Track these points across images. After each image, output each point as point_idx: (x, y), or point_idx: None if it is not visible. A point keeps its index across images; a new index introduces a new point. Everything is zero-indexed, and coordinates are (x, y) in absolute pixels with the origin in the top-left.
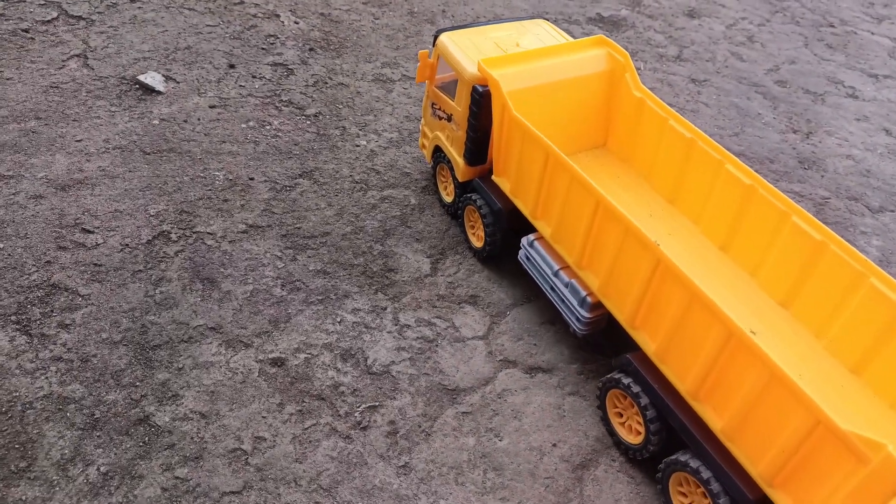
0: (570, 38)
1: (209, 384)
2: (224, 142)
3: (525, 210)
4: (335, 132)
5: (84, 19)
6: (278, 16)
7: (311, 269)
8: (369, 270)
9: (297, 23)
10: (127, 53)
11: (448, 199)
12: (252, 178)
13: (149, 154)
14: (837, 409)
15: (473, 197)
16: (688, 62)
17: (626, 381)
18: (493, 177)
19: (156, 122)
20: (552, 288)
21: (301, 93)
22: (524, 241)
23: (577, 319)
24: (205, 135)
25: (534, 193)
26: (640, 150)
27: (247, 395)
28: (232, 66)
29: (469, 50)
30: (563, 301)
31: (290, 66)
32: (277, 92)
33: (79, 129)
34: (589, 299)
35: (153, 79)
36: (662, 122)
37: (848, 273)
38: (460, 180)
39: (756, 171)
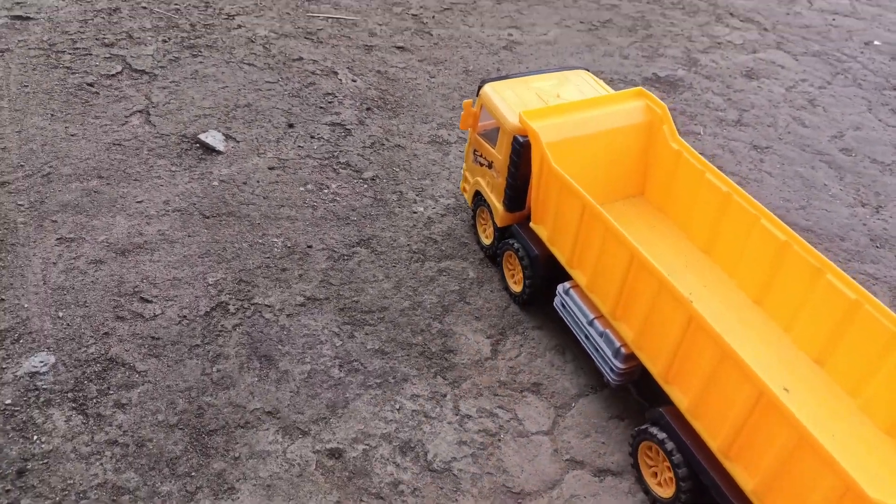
0: (611, 90)
1: (265, 477)
2: (282, 206)
3: (561, 258)
4: (392, 197)
5: (147, 73)
6: (336, 73)
7: (369, 347)
8: (428, 351)
9: (354, 81)
10: (188, 110)
11: (486, 241)
12: (310, 246)
13: (208, 217)
14: (870, 472)
15: (512, 242)
16: (748, 127)
17: (659, 435)
18: (532, 224)
19: (215, 183)
20: (587, 336)
21: (358, 154)
22: (560, 288)
23: (611, 370)
24: (264, 198)
25: (570, 243)
26: (676, 200)
27: (304, 490)
28: (291, 126)
29: (511, 100)
30: (597, 350)
31: (347, 126)
32: (335, 153)
33: (140, 190)
34: (623, 350)
35: (213, 138)
36: (699, 174)
37: (883, 333)
38: (499, 225)
39: (826, 249)
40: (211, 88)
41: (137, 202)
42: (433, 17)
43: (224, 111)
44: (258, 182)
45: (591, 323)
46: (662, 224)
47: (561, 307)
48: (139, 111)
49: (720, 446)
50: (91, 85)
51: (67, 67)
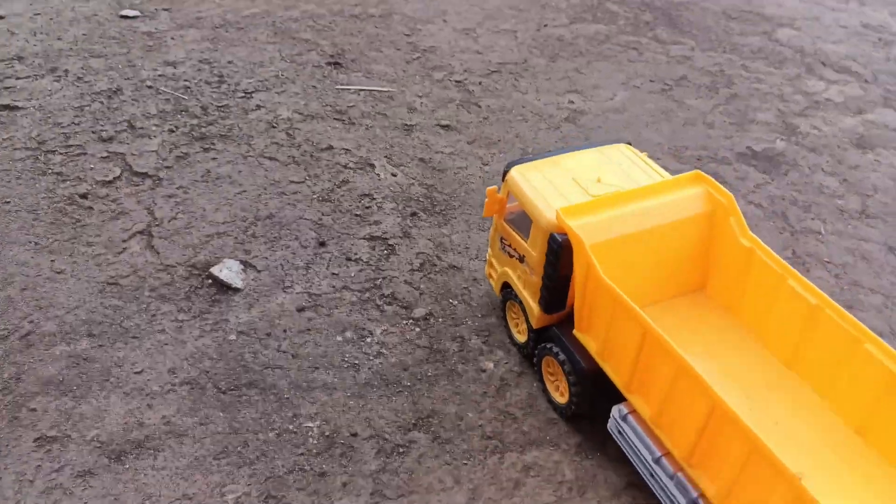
0: (658, 168)
1: None
2: (317, 367)
3: (616, 381)
4: (452, 346)
5: (150, 177)
6: (372, 165)
7: None
8: None
9: (394, 175)
10: (198, 227)
11: (520, 338)
12: (354, 434)
13: (224, 393)
14: None
15: (553, 349)
16: (877, 220)
17: None
18: (576, 332)
19: (232, 336)
20: (651, 474)
21: (405, 281)
22: (615, 412)
23: None
24: (293, 356)
25: (628, 367)
26: (748, 302)
27: None
28: (322, 244)
29: (544, 188)
30: (663, 490)
31: (390, 242)
32: (377, 281)
33: (139, 353)
34: (701, 502)
35: (229, 271)
36: (779, 279)
37: None
38: (535, 327)
39: None
40: (226, 194)
41: (136, 373)
42: (479, 83)
43: (241, 226)
44: (285, 332)
45: (657, 461)
46: (731, 326)
47: (616, 433)
48: (140, 232)
49: None
50: (84, 196)
51: (58, 174)
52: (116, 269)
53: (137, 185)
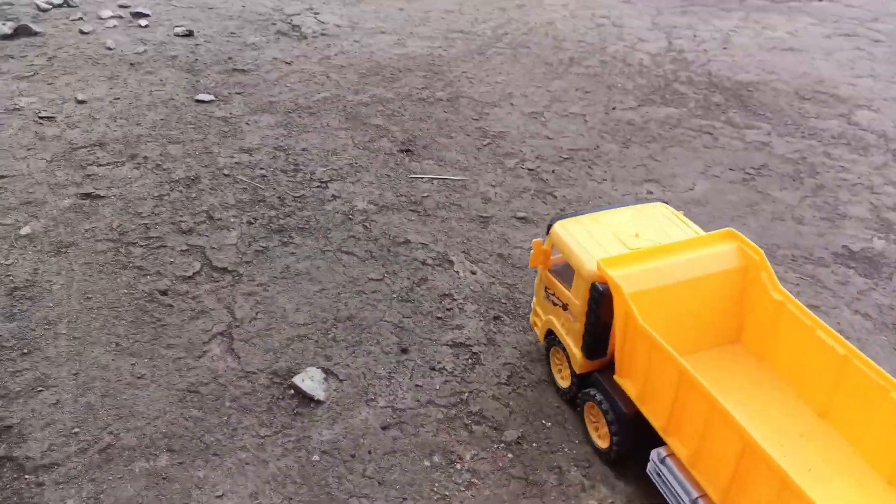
0: (694, 226)
1: None
2: (404, 498)
3: (655, 423)
4: (549, 478)
5: (230, 272)
6: (451, 262)
7: None
8: None
9: (473, 272)
10: (279, 329)
11: (563, 384)
12: None
13: None
14: None
15: (595, 394)
16: None
17: None
18: (616, 377)
19: (315, 457)
20: None
21: (493, 397)
22: (654, 455)
23: None
24: (378, 483)
25: (665, 409)
26: (781, 353)
27: None
28: (404, 351)
29: (585, 241)
30: None
31: (474, 349)
32: (464, 396)
33: (220, 472)
34: None
35: (311, 380)
36: (808, 331)
37: None
38: (577, 372)
39: None
40: (305, 293)
41: (217, 496)
42: (553, 171)
43: (322, 329)
44: (370, 453)
45: (694, 503)
46: (765, 376)
47: (655, 475)
48: (220, 333)
49: None
50: (164, 293)
51: (138, 268)
52: (197, 374)
53: (217, 282)
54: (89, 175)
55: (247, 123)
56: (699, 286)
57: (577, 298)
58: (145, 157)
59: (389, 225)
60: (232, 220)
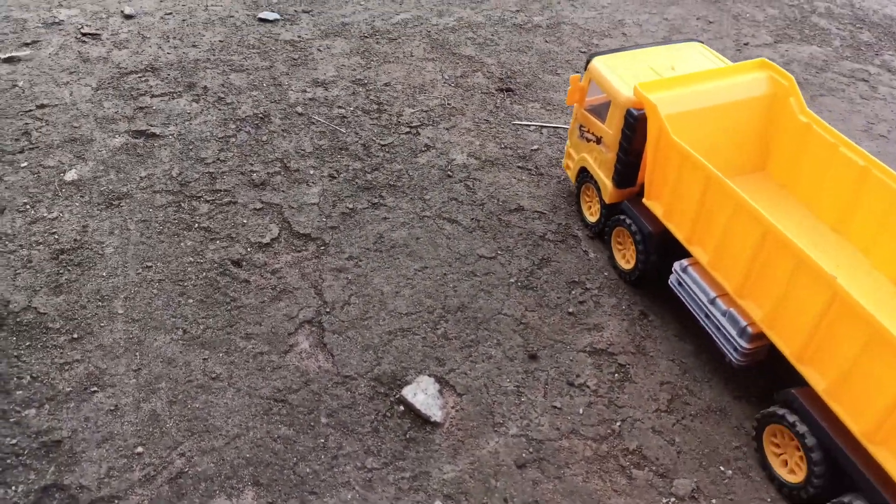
0: (727, 61)
1: None
2: None
3: (679, 235)
4: None
5: (313, 240)
6: (576, 237)
7: None
8: None
9: (606, 252)
10: (377, 317)
11: (592, 218)
12: None
13: None
14: None
15: (624, 219)
16: None
17: (790, 418)
18: (645, 200)
19: (438, 503)
20: (707, 315)
21: (654, 429)
22: (677, 266)
23: (735, 350)
24: None
25: (690, 218)
26: (803, 176)
27: None
28: (533, 357)
29: (622, 73)
30: (718, 329)
31: (619, 360)
32: (615, 426)
33: None
34: (750, 329)
35: (425, 395)
36: (832, 147)
37: None
38: (607, 202)
39: None
40: (405, 271)
41: None
42: None
43: (429, 320)
44: (506, 502)
45: (712, 301)
46: (786, 201)
47: (677, 285)
48: (308, 321)
49: (865, 429)
50: (238, 264)
51: (205, 229)
52: (283, 377)
53: (300, 251)
54: (141, 108)
55: (318, 50)
56: (730, 112)
57: (611, 128)
58: (205, 88)
59: (496, 186)
60: (311, 172)
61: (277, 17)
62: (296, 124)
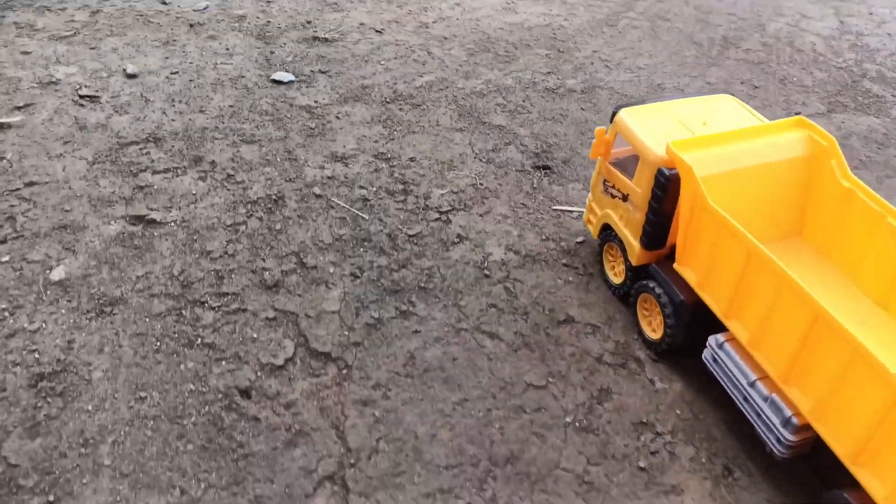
0: (761, 117)
1: None
2: None
3: (715, 308)
4: None
5: (334, 361)
6: (639, 361)
7: None
8: None
9: (676, 385)
10: (412, 472)
11: (616, 280)
12: None
13: None
14: None
15: (651, 285)
16: None
17: None
18: (676, 266)
19: None
20: (745, 399)
21: None
22: (712, 341)
23: (778, 441)
24: None
25: (728, 291)
26: (845, 244)
27: None
28: None
29: (652, 128)
30: (759, 416)
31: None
32: None
33: None
34: (795, 420)
35: None
36: (878, 217)
37: None
38: (634, 264)
39: None
40: (441, 405)
41: None
42: None
43: (474, 477)
44: None
45: (752, 385)
46: (826, 270)
47: (712, 361)
48: (329, 477)
49: None
50: (246, 394)
51: (209, 346)
52: None
53: (318, 376)
54: (141, 186)
55: (337, 117)
56: (766, 174)
57: (639, 187)
58: (212, 163)
59: (540, 289)
60: (331, 270)
61: (292, 78)
62: (313, 208)
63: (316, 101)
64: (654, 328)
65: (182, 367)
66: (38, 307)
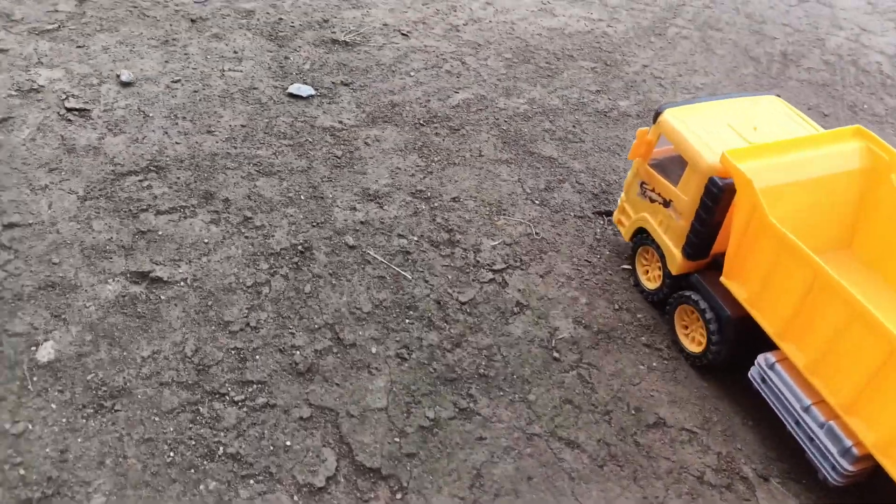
0: (811, 121)
1: None
2: None
3: (769, 328)
4: None
5: (384, 480)
6: (746, 480)
7: None
8: None
9: None
10: None
11: (650, 285)
12: None
13: None
14: None
15: (695, 297)
16: None
17: None
18: (723, 279)
19: None
20: (797, 423)
21: None
22: (762, 360)
23: (834, 469)
24: None
25: (786, 313)
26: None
27: None
28: None
29: (700, 132)
30: (811, 441)
31: None
32: None
33: None
34: (855, 451)
35: None
36: None
37: None
38: (674, 273)
39: None
40: None
41: None
42: None
43: None
44: None
45: (806, 410)
46: (876, 284)
47: (760, 381)
48: None
49: None
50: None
51: (234, 456)
52: None
53: (366, 500)
54: (143, 231)
55: (365, 142)
56: (824, 185)
57: (685, 194)
58: (226, 201)
59: (621, 378)
60: (373, 349)
61: (312, 92)
62: (346, 263)
63: (341, 122)
64: (695, 341)
65: (202, 487)
66: (23, 400)
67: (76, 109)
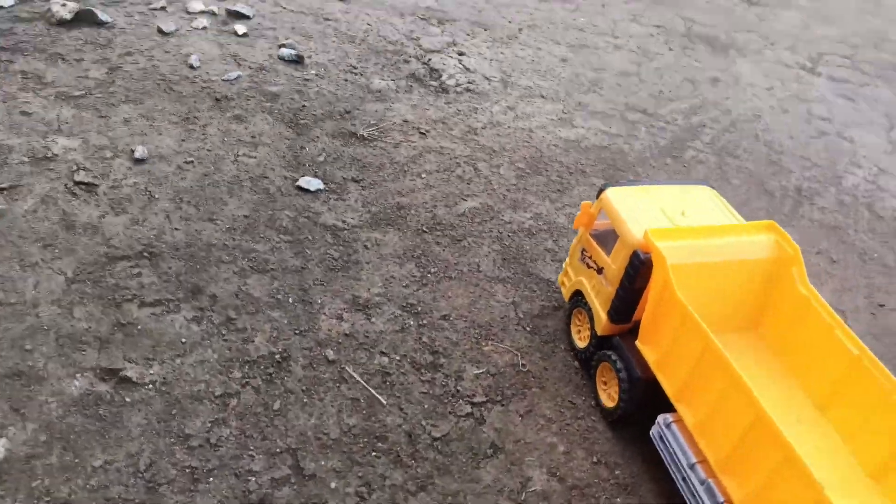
0: (735, 212)
1: None
2: None
3: (668, 389)
4: None
5: None
6: None
7: None
8: None
9: None
10: None
11: (580, 343)
12: None
13: None
14: None
15: (612, 356)
16: None
17: None
18: (638, 343)
19: None
20: (684, 479)
21: None
22: (661, 420)
23: None
24: None
25: (682, 376)
26: (795, 345)
27: None
28: None
29: (634, 211)
30: (694, 497)
31: None
32: None
33: None
34: None
35: None
36: (827, 328)
37: None
38: (599, 334)
39: None
40: None
41: None
42: None
43: None
44: None
45: (692, 467)
46: (775, 365)
47: (658, 439)
48: None
49: None
50: None
51: None
52: None
53: None
54: (123, 324)
55: (365, 245)
56: (732, 270)
57: (614, 263)
58: (213, 298)
59: None
60: (332, 483)
61: (320, 186)
62: (322, 380)
63: (344, 221)
64: (609, 397)
65: None
66: None
67: (84, 183)
